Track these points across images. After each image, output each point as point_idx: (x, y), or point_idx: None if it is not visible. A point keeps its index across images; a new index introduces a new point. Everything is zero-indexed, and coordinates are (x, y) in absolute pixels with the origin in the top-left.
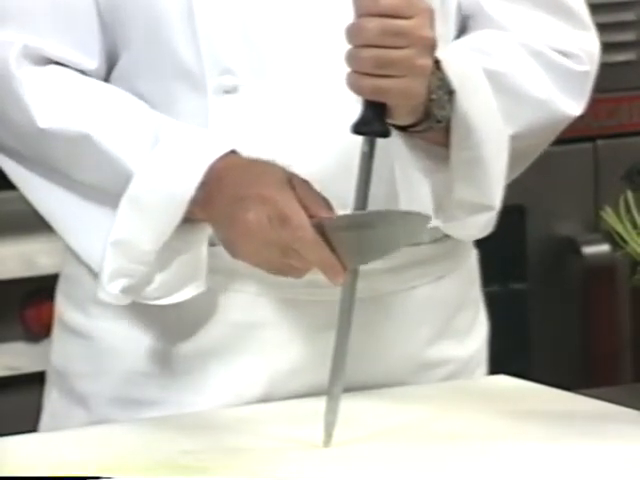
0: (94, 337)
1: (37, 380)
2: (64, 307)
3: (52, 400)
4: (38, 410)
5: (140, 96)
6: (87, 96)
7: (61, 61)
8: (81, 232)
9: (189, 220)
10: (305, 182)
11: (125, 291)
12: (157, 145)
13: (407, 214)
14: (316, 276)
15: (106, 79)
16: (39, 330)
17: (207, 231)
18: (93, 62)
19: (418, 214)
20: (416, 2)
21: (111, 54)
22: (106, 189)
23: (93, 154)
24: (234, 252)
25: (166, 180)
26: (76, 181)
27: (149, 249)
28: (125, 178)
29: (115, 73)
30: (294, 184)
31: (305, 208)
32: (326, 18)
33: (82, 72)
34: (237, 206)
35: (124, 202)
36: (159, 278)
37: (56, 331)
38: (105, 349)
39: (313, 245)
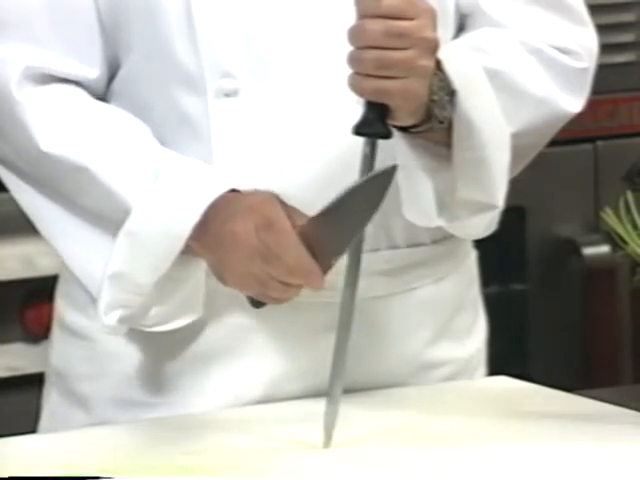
0: (94, 339)
1: (37, 381)
2: (64, 309)
3: (51, 401)
4: (38, 411)
5: (142, 100)
6: (89, 123)
7: (62, 74)
8: (80, 256)
9: (187, 252)
10: (292, 206)
11: (122, 321)
12: (157, 180)
13: (375, 176)
14: None
15: (108, 86)
16: (39, 331)
17: (203, 261)
18: (94, 71)
19: (384, 170)
20: (418, 3)
21: (112, 61)
22: (106, 217)
23: (91, 186)
24: (220, 271)
25: (164, 217)
26: (77, 205)
27: (146, 281)
28: (124, 212)
29: (117, 79)
30: (282, 202)
31: (290, 219)
32: (326, 20)
33: (84, 82)
34: (227, 222)
35: (122, 236)
36: (156, 308)
37: (55, 332)
38: (105, 351)
39: (294, 248)
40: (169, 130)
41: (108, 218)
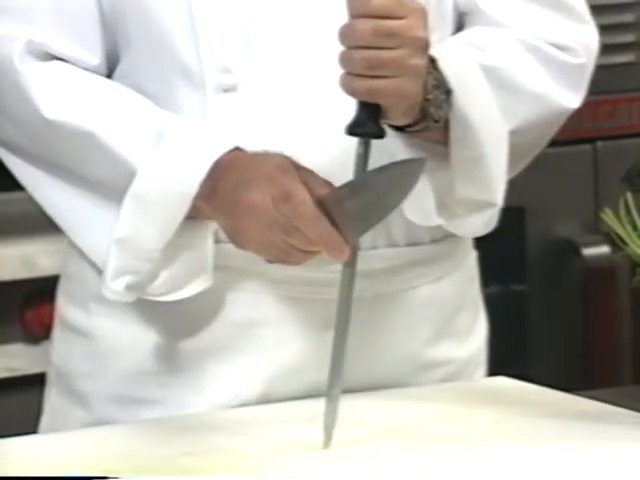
0: (95, 336)
1: (37, 381)
2: (65, 307)
3: (52, 400)
4: (38, 411)
5: (142, 94)
6: (91, 92)
7: (63, 57)
8: (85, 228)
9: (194, 216)
10: (308, 168)
11: (129, 288)
12: (161, 142)
13: (403, 163)
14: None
15: (108, 76)
16: (39, 331)
17: (212, 227)
18: (95, 58)
19: (413, 160)
20: (408, 2)
21: (112, 52)
22: (110, 185)
23: (97, 151)
24: (237, 238)
25: (170, 177)
26: (81, 177)
27: (153, 246)
28: (129, 175)
29: (117, 71)
30: (297, 167)
31: (308, 188)
32: (324, 17)
33: (84, 69)
34: (241, 189)
35: (128, 199)
36: (164, 274)
37: (57, 331)
38: (105, 348)
39: (315, 221)
40: None
41: (112, 185)
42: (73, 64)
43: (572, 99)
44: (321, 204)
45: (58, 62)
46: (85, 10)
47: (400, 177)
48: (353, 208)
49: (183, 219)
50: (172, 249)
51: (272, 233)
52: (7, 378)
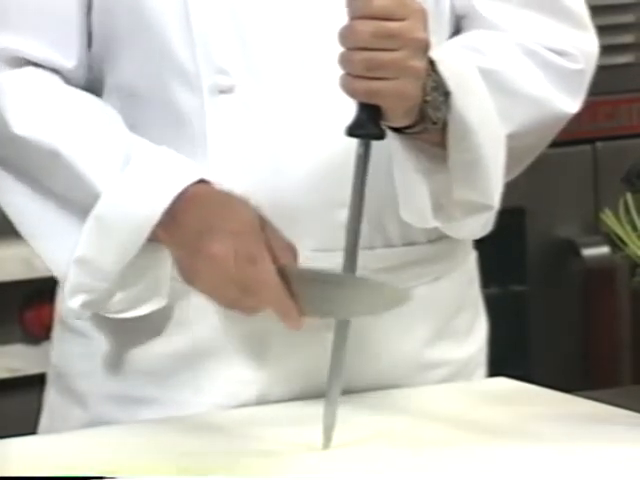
0: (91, 336)
1: (37, 382)
2: (63, 306)
3: (51, 399)
4: (38, 412)
5: (137, 96)
6: (62, 109)
7: (37, 61)
8: (47, 239)
9: (154, 240)
10: (273, 226)
11: (85, 306)
12: (127, 166)
13: (382, 286)
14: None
15: (89, 78)
16: (39, 332)
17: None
18: (70, 62)
19: (395, 289)
20: (408, 4)
21: (99, 55)
22: (75, 203)
23: (63, 170)
24: (190, 276)
25: (133, 203)
26: (47, 189)
27: (112, 268)
28: (93, 197)
29: (112, 74)
30: (263, 225)
31: (271, 250)
32: (321, 18)
33: (60, 70)
34: (204, 236)
35: (90, 220)
36: (120, 294)
37: (56, 331)
38: (103, 348)
39: (274, 289)
40: (164, 126)
41: (77, 202)
42: (48, 68)
43: (570, 104)
44: (282, 272)
45: (32, 70)
46: (63, 14)
47: (368, 296)
48: (310, 292)
49: (144, 242)
50: (130, 270)
51: (227, 287)
52: (7, 379)
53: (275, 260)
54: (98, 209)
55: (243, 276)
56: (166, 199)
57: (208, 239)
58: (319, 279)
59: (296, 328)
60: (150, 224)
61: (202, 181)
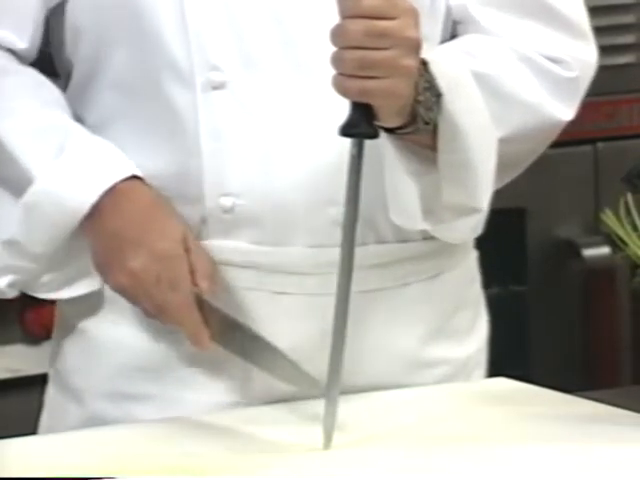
0: (88, 332)
1: (37, 382)
2: (62, 304)
3: (50, 397)
4: (38, 412)
5: (130, 91)
6: (6, 92)
7: None
8: None
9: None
10: (196, 243)
11: (12, 285)
12: (61, 155)
13: (297, 368)
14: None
15: (42, 59)
16: (39, 332)
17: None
18: (23, 43)
19: (308, 377)
20: (399, 3)
21: (94, 49)
22: (10, 185)
23: (1, 154)
24: (105, 274)
25: (64, 192)
26: None
27: (40, 252)
28: (26, 182)
29: (105, 69)
30: (188, 245)
31: (192, 273)
32: (315, 16)
33: (13, 50)
34: (128, 246)
35: (21, 205)
36: (49, 275)
37: (56, 329)
38: (99, 344)
39: (188, 315)
40: (156, 121)
41: (11, 186)
42: (2, 47)
43: (564, 111)
44: (199, 302)
45: None
46: (21, 4)
47: (274, 366)
48: (218, 324)
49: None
50: (60, 252)
51: (144, 302)
52: (7, 379)
53: (194, 283)
54: (29, 196)
55: (162, 300)
56: (95, 193)
57: (132, 252)
58: (228, 322)
59: (200, 348)
60: (78, 216)
61: (134, 177)
